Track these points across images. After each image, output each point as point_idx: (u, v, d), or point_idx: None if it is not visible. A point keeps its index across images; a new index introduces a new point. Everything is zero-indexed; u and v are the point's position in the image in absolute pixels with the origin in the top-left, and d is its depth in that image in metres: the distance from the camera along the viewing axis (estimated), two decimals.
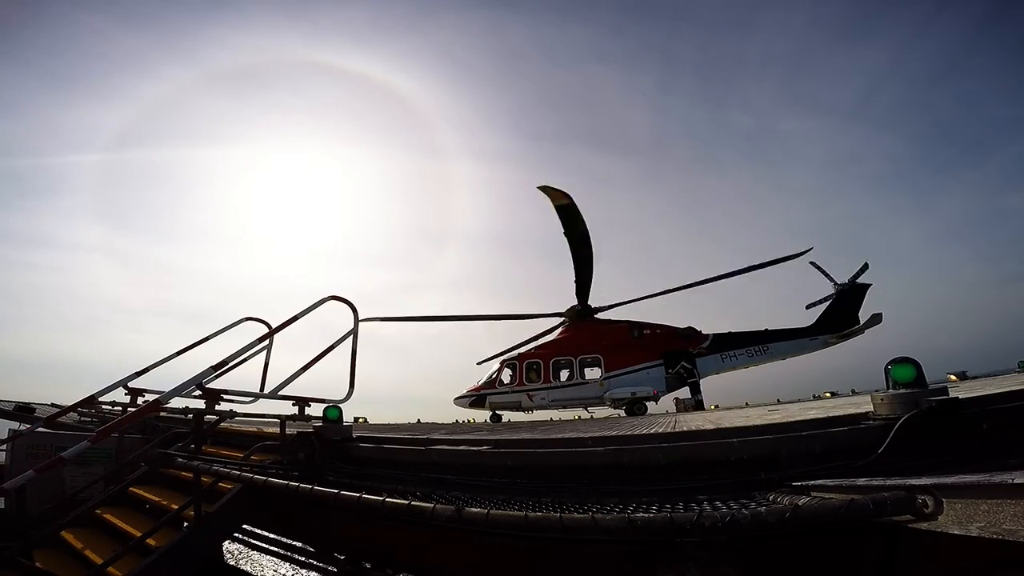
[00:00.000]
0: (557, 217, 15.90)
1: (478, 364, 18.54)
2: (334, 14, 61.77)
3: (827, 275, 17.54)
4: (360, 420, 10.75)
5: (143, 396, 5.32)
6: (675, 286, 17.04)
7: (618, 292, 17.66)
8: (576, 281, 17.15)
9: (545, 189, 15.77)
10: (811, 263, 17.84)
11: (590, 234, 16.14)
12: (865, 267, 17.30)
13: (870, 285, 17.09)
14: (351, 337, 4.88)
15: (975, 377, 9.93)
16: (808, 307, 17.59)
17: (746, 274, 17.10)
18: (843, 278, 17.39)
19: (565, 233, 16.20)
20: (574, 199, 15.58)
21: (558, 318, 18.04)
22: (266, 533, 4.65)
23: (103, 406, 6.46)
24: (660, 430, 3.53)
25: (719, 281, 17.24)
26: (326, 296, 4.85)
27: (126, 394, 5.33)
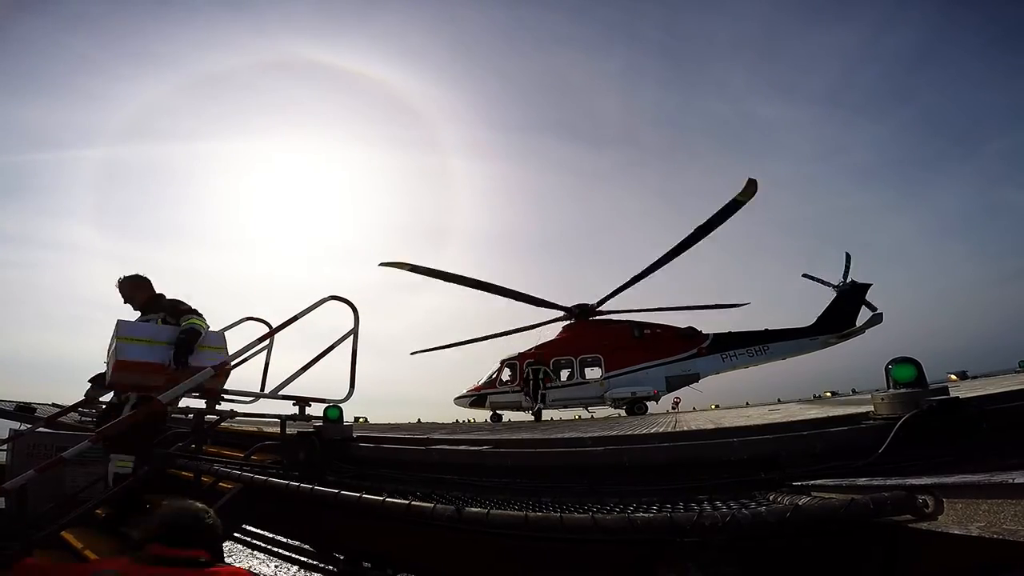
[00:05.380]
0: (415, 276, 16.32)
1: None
2: (279, 7, 61.05)
3: (822, 282, 17.58)
4: (360, 420, 10.75)
5: None
6: (644, 268, 16.52)
7: (611, 290, 17.47)
8: (520, 300, 17.15)
9: (388, 264, 16.11)
10: (804, 275, 17.90)
11: (442, 269, 16.60)
12: (848, 258, 17.36)
13: (870, 285, 17.10)
14: (351, 337, 4.87)
15: (975, 377, 9.93)
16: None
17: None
18: (837, 276, 17.41)
19: (447, 280, 16.60)
20: (410, 260, 16.12)
21: (560, 322, 18.03)
22: (266, 533, 4.64)
23: (103, 406, 6.46)
24: (660, 430, 3.54)
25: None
26: (326, 296, 4.84)
27: None
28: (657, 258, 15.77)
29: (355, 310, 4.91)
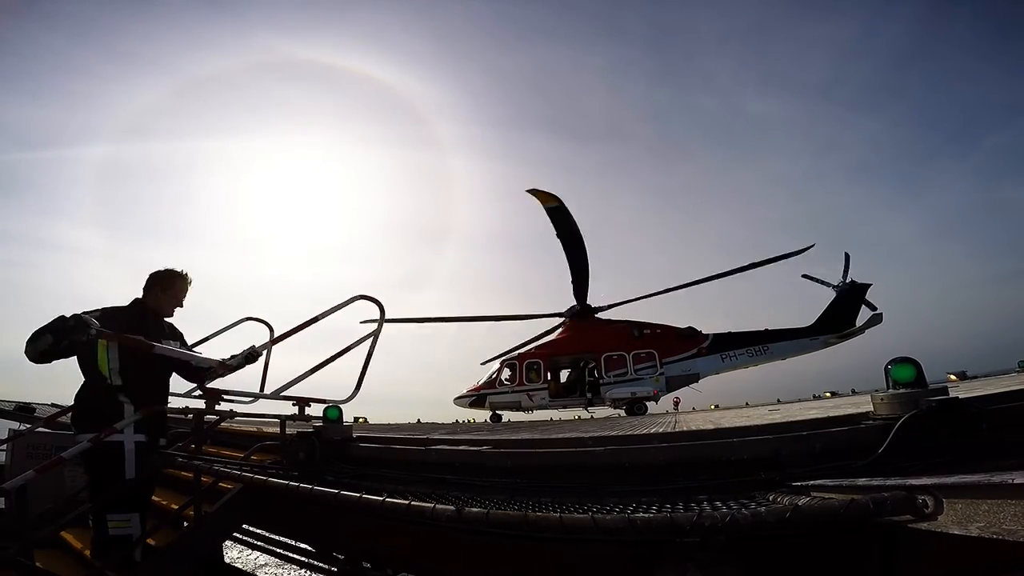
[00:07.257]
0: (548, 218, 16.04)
1: (482, 364, 18.55)
2: (260, 4, 60.19)
3: (822, 282, 17.66)
4: (360, 420, 10.74)
5: None
6: (673, 285, 17.14)
7: (606, 290, 17.89)
8: (573, 281, 17.19)
9: (534, 192, 15.86)
10: (804, 275, 18.05)
11: (582, 233, 16.26)
12: (847, 258, 17.58)
13: (870, 284, 17.12)
14: (371, 338, 4.69)
15: (975, 377, 9.94)
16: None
17: (744, 272, 17.23)
18: (836, 276, 17.51)
19: (558, 235, 16.29)
20: (563, 200, 15.73)
21: (558, 318, 18.06)
22: (266, 533, 4.63)
23: None
24: (660, 430, 3.54)
25: (718, 280, 17.36)
26: (355, 295, 4.63)
27: None
28: (694, 279, 17.05)
29: (382, 310, 4.65)
